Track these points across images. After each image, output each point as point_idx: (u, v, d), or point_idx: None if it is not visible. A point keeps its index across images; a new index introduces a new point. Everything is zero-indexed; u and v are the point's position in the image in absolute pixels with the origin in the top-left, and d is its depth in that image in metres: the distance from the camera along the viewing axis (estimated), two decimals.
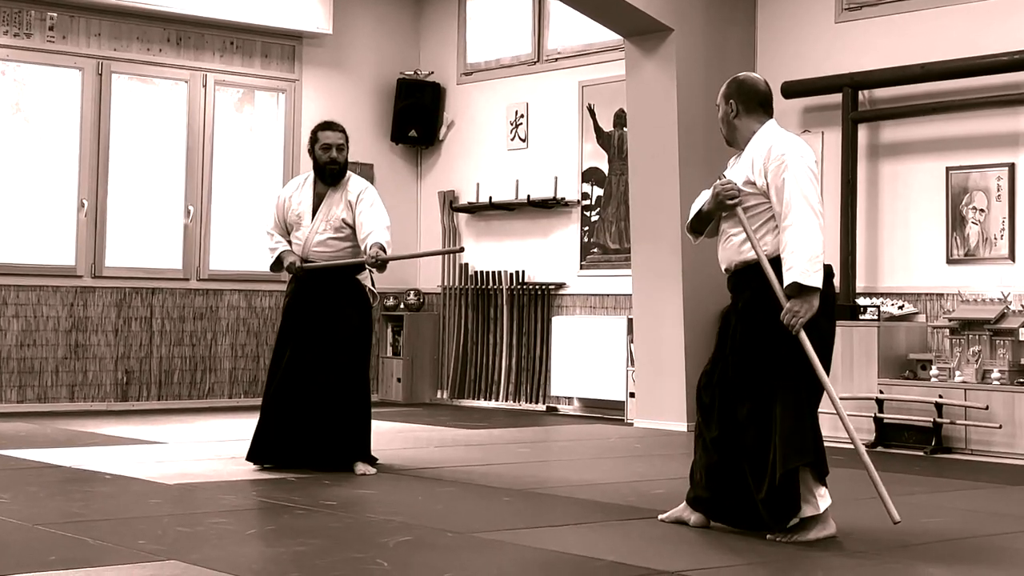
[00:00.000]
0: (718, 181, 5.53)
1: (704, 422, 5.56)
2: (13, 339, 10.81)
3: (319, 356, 7.24)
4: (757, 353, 5.39)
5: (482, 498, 6.48)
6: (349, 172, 7.48)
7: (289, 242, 7.50)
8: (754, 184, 5.43)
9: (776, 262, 5.35)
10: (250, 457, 7.34)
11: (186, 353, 11.61)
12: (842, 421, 5.40)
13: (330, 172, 7.38)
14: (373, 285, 7.53)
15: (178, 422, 10.17)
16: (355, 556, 4.86)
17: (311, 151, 7.45)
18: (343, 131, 7.51)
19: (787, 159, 5.36)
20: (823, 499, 5.37)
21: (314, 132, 7.49)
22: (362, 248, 7.22)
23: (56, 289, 11.00)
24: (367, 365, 7.40)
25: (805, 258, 5.25)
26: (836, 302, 5.68)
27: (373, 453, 7.31)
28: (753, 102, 5.58)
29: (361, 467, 7.14)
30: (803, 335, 5.30)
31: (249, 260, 11.97)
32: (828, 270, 5.44)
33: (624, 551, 5.08)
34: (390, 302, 12.50)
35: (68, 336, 11.04)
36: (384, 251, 7.12)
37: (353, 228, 7.31)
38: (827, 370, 5.42)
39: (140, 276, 11.41)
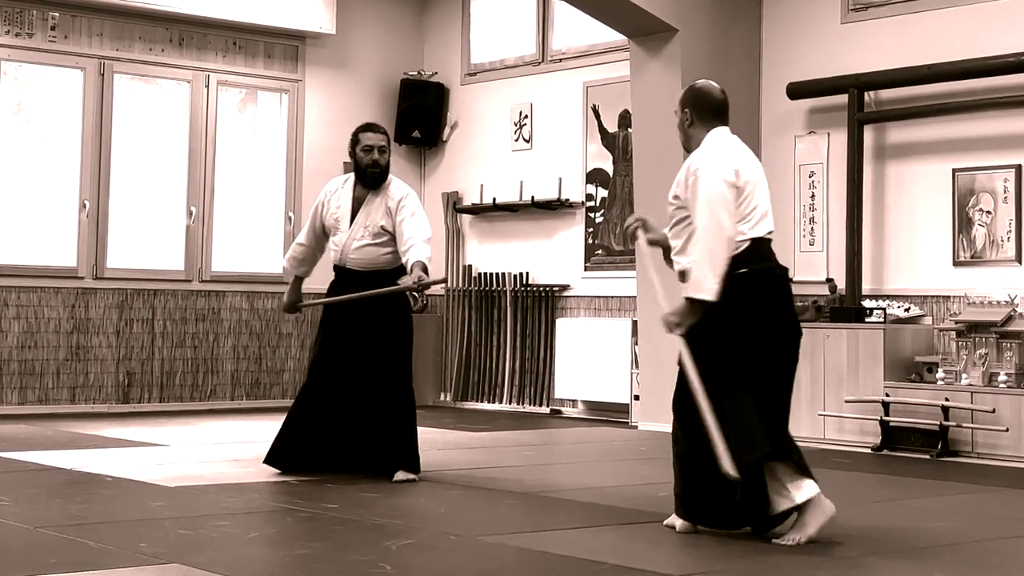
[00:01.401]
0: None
1: (679, 425, 5.60)
2: (14, 341, 10.78)
3: (358, 366, 7.07)
4: (700, 363, 5.41)
5: (485, 501, 6.45)
6: (391, 176, 7.28)
7: (304, 248, 7.40)
8: (678, 197, 5.57)
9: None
10: (270, 461, 7.18)
11: (188, 355, 11.57)
12: (707, 427, 5.29)
13: (371, 175, 7.18)
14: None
15: (180, 424, 10.15)
16: (358, 559, 4.83)
17: (352, 153, 7.25)
18: (385, 133, 7.33)
19: (699, 172, 5.47)
20: (800, 490, 5.34)
21: (355, 134, 7.30)
22: (403, 260, 7.00)
23: (57, 290, 10.97)
24: (408, 373, 7.18)
25: (696, 272, 5.35)
26: (785, 305, 5.57)
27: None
28: (707, 111, 5.68)
29: (401, 475, 6.97)
30: (683, 344, 5.39)
31: (251, 262, 11.96)
32: (766, 272, 5.47)
33: (628, 554, 5.06)
34: None
35: (69, 338, 11.01)
36: (427, 272, 6.88)
37: (392, 234, 7.11)
38: (782, 369, 5.46)
39: (142, 277, 11.37)
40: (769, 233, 5.55)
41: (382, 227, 7.12)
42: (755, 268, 5.44)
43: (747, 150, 5.68)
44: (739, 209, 5.44)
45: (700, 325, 5.41)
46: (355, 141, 7.26)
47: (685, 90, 5.80)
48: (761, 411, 5.35)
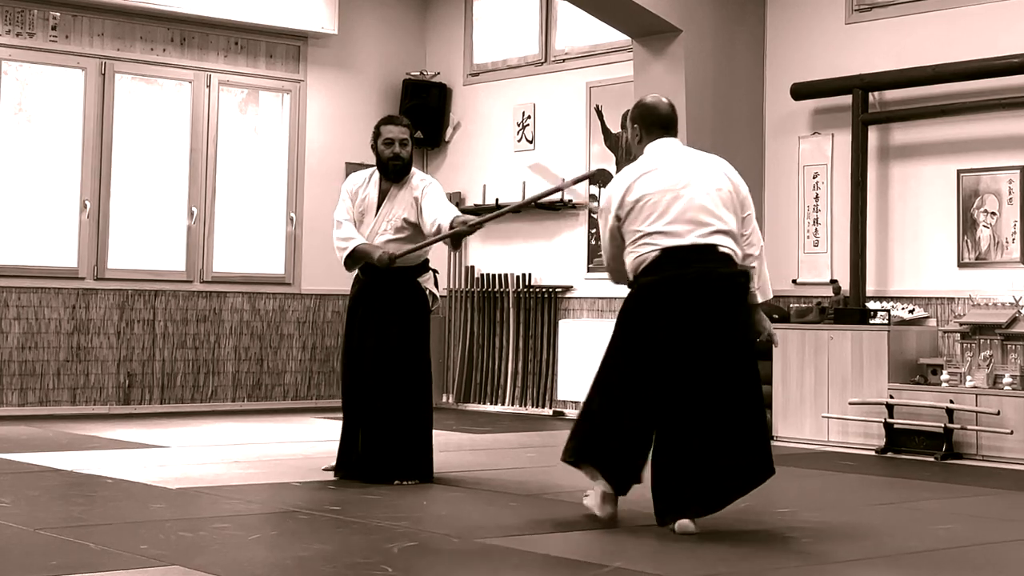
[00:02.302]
0: None
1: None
2: (14, 341, 10.74)
3: (377, 368, 7.00)
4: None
5: (487, 503, 6.42)
6: (413, 168, 7.20)
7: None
8: None
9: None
10: (343, 475, 7.09)
11: (189, 356, 11.53)
12: None
13: (394, 168, 7.08)
14: (436, 286, 7.28)
15: (181, 425, 10.12)
16: (359, 562, 4.80)
17: (374, 147, 7.16)
18: (408, 125, 7.22)
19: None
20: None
21: (377, 127, 7.20)
22: (435, 227, 6.91)
23: (58, 291, 10.93)
24: (427, 376, 7.13)
25: None
26: (686, 314, 5.58)
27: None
28: (654, 126, 5.83)
29: (398, 481, 6.93)
30: None
31: (253, 262, 11.92)
32: (661, 283, 5.59)
33: (631, 557, 5.03)
34: None
35: (70, 339, 10.97)
36: (465, 222, 6.78)
37: (415, 227, 7.05)
38: (668, 380, 5.52)
39: (143, 278, 11.33)
40: (703, 235, 5.56)
41: (404, 219, 7.05)
42: (647, 280, 5.59)
43: (672, 159, 5.73)
44: (636, 225, 5.61)
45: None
46: (376, 134, 7.17)
47: (633, 106, 5.95)
48: (626, 421, 5.58)
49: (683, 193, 5.60)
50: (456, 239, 6.96)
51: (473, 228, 6.82)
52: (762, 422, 5.67)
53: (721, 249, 5.58)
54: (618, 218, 5.69)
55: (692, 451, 5.45)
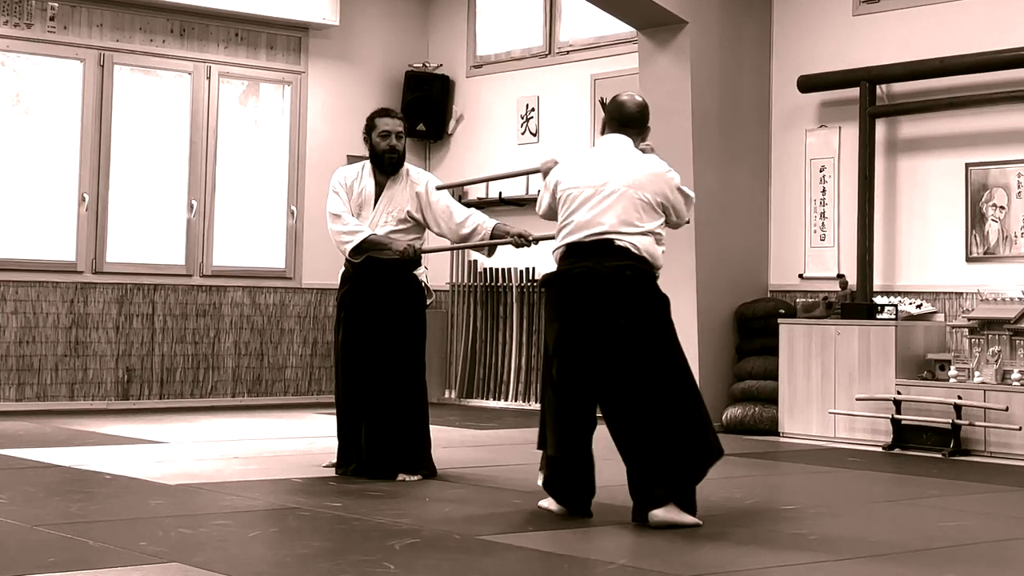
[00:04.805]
0: None
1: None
2: (12, 336, 10.67)
3: (375, 362, 6.97)
4: None
5: (490, 500, 6.38)
6: (405, 162, 7.20)
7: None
8: None
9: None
10: (338, 467, 7.10)
11: (188, 351, 11.47)
12: None
13: (389, 160, 7.07)
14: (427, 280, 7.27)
15: (180, 421, 10.07)
16: (360, 559, 4.76)
17: (367, 139, 7.13)
18: (402, 118, 7.23)
19: None
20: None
21: (370, 119, 7.18)
22: (469, 228, 7.05)
23: (56, 285, 10.86)
24: (422, 371, 7.11)
25: None
26: (578, 308, 5.76)
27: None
28: (612, 121, 6.06)
29: (403, 475, 6.90)
30: None
31: (253, 256, 11.86)
32: (556, 277, 5.88)
33: (635, 554, 5.01)
34: None
35: (68, 333, 10.91)
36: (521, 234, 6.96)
37: (415, 221, 7.05)
38: (571, 372, 5.80)
39: (142, 272, 11.27)
40: (601, 231, 5.69)
41: (408, 213, 7.04)
42: (547, 277, 5.90)
43: (601, 157, 5.92)
44: (560, 215, 5.88)
45: None
46: (371, 127, 7.15)
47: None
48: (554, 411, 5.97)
49: (600, 190, 5.76)
50: (517, 246, 7.03)
51: (536, 242, 7.00)
52: (684, 408, 5.70)
53: (618, 243, 5.71)
54: (554, 197, 5.98)
55: (627, 448, 5.75)
